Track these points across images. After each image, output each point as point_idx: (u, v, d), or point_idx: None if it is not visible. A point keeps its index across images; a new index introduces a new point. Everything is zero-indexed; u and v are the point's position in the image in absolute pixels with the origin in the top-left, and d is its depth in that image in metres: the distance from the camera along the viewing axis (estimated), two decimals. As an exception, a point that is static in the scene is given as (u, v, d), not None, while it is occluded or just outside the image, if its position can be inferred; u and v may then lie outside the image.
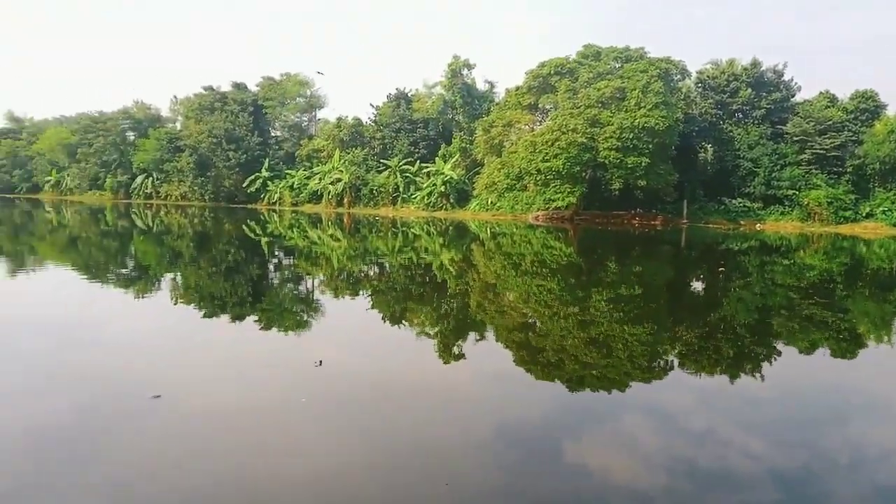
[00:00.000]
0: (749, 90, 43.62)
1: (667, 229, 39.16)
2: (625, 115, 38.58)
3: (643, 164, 37.86)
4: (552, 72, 42.99)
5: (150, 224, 39.14)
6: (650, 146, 38.07)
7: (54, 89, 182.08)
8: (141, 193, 65.79)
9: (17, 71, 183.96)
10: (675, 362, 9.62)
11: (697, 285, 19.97)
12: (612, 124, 38.46)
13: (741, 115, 45.06)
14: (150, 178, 64.98)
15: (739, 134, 43.29)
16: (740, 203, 42.54)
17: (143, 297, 14.44)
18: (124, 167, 67.46)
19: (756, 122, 43.83)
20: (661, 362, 9.72)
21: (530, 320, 12.92)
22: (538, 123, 45.69)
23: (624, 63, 42.20)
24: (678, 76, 43.16)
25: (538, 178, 40.36)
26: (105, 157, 67.86)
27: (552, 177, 39.62)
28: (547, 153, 39.15)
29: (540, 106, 45.09)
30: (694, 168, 44.68)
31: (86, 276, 17.95)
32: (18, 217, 44.43)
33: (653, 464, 5.88)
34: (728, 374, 9.14)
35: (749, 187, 42.33)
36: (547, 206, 41.48)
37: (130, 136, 69.70)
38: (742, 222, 41.56)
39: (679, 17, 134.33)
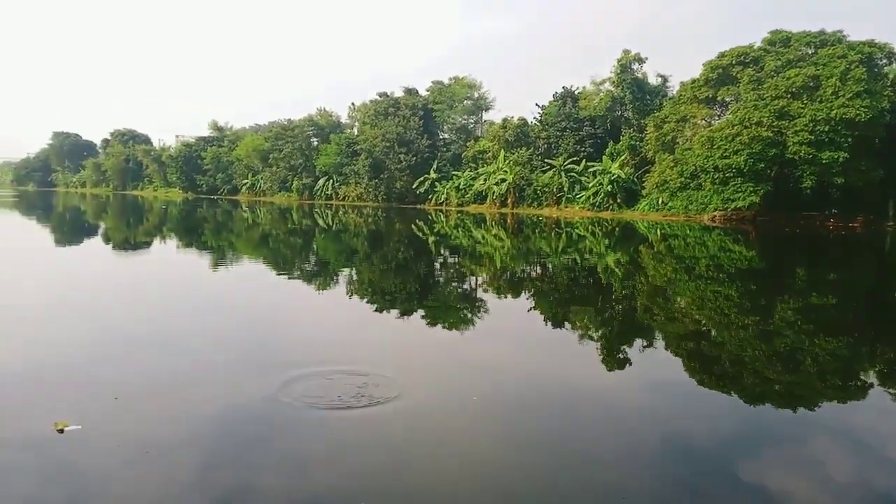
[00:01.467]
0: (978, 72, 37.34)
1: (868, 233, 34.70)
2: (819, 105, 34.75)
3: (840, 159, 33.83)
4: (734, 62, 39.87)
5: (330, 223, 42.22)
6: (849, 140, 33.92)
7: (250, 100, 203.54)
8: (322, 195, 71.16)
9: (218, 84, 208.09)
10: (876, 382, 8.48)
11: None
12: (804, 116, 34.82)
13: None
14: (331, 181, 70.04)
15: (960, 124, 37.14)
16: (961, 203, 36.56)
17: (322, 290, 15.60)
18: (308, 170, 73.38)
19: None
20: (859, 381, 8.61)
21: (704, 328, 12.09)
22: (716, 118, 42.63)
23: (818, 49, 38.01)
24: (884, 61, 37.97)
25: (716, 176, 37.65)
26: (292, 161, 74.29)
27: (732, 174, 36.75)
28: (727, 149, 36.38)
29: (719, 99, 42.02)
30: (903, 163, 39.07)
31: (276, 270, 19.78)
32: (221, 216, 50.12)
33: (845, 498, 5.21)
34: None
35: (973, 185, 36.22)
36: (725, 206, 38.49)
37: (314, 141, 75.70)
38: (966, 226, 35.68)
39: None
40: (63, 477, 5.16)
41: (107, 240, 30.05)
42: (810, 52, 38.48)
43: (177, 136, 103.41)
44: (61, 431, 5.84)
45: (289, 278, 17.73)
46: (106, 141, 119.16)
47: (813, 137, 34.29)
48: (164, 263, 21.39)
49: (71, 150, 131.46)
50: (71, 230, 35.84)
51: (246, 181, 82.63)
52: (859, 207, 37.67)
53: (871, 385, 8.34)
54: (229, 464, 5.40)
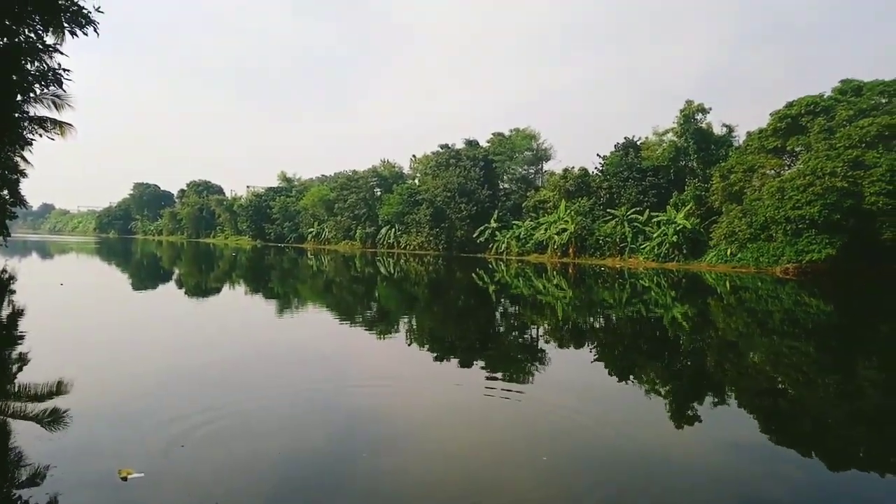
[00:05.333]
0: None
1: (957, 287, 32.53)
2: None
3: (923, 209, 32.23)
4: (802, 111, 39.01)
5: (392, 271, 42.78)
6: (932, 189, 32.36)
7: (319, 152, 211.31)
8: (385, 243, 72.45)
9: (289, 138, 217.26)
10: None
11: None
12: (881, 166, 33.49)
13: None
14: (393, 230, 71.34)
15: None
16: None
17: (383, 338, 15.74)
18: (371, 219, 75.06)
19: None
20: (957, 449, 7.98)
21: (779, 386, 11.51)
22: (786, 168, 41.50)
23: (892, 97, 36.77)
24: (966, 106, 36.36)
25: (788, 228, 36.38)
26: (356, 210, 76.22)
27: (805, 226, 35.46)
28: (799, 199, 35.24)
29: (788, 149, 40.99)
30: None
31: (338, 317, 20.11)
32: (287, 262, 51.57)
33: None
34: None
35: None
36: (799, 258, 36.97)
37: (377, 191, 77.63)
38: None
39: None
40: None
41: (180, 285, 31.33)
42: (884, 101, 37.25)
43: (248, 187, 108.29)
44: (125, 479, 5.97)
45: (351, 325, 17.98)
46: (182, 191, 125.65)
47: (892, 188, 32.85)
48: (232, 309, 22.08)
49: (150, 199, 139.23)
50: (147, 275, 37.59)
51: (312, 230, 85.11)
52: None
53: (970, 452, 7.72)
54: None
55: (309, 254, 66.26)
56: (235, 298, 25.90)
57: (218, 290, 29.01)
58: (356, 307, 22.92)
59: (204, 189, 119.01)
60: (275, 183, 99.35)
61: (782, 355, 14.18)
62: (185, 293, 27.25)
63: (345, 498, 5.72)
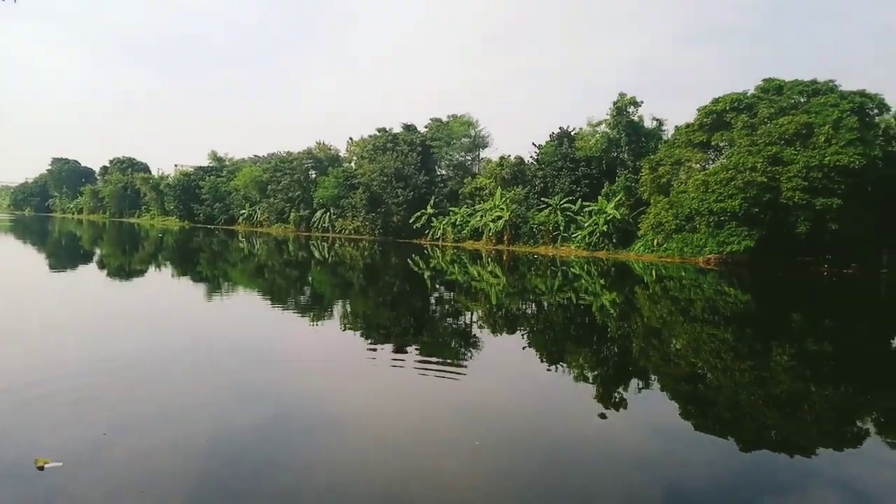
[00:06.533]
0: (969, 124, 38.04)
1: (862, 279, 34.87)
2: (812, 152, 35.28)
3: (834, 206, 34.20)
4: (728, 108, 40.58)
5: (326, 255, 42.21)
6: (843, 187, 34.35)
7: (250, 132, 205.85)
8: (319, 227, 71.30)
9: (221, 116, 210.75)
10: (872, 430, 8.43)
11: (902, 344, 17.44)
12: (797, 163, 35.31)
13: (956, 153, 39.25)
14: (328, 213, 70.27)
15: (954, 174, 37.68)
16: (955, 252, 36.83)
17: (317, 324, 15.52)
18: (306, 202, 73.67)
19: (976, 159, 37.93)
20: (855, 429, 8.56)
21: (700, 371, 12.04)
22: (711, 162, 43.18)
23: (810, 97, 38.76)
24: (875, 111, 38.71)
25: (711, 220, 37.95)
26: (290, 193, 74.60)
27: (727, 218, 37.07)
28: (721, 193, 36.78)
29: (713, 143, 42.61)
30: (896, 211, 39.48)
31: (270, 302, 19.70)
32: (217, 245, 50.08)
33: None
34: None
35: (969, 235, 36.58)
36: (720, 249, 38.70)
37: (312, 174, 76.17)
38: (961, 275, 35.91)
39: (870, 50, 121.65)
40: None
41: (101, 266, 29.93)
42: (803, 101, 39.21)
43: (175, 166, 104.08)
44: (41, 468, 5.71)
45: (283, 310, 17.65)
46: (105, 168, 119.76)
47: (807, 184, 34.70)
48: (157, 292, 21.29)
49: (69, 176, 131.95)
50: (66, 255, 35.73)
51: (243, 212, 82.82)
52: (853, 254, 37.97)
53: (868, 433, 8.29)
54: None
55: (240, 236, 64.54)
56: (162, 281, 24.96)
57: (143, 273, 27.89)
58: (289, 292, 22.51)
59: (128, 166, 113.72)
60: (205, 162, 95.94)
61: (703, 342, 14.83)
62: (108, 275, 26.08)
63: (275, 484, 5.62)
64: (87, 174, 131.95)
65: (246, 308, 17.93)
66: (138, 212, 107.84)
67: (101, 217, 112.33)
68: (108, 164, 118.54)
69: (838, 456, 7.47)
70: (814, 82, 39.62)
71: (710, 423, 8.52)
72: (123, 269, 28.99)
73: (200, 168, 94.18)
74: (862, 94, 37.51)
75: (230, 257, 38.59)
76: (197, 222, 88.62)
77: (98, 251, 40.86)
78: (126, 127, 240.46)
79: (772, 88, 40.79)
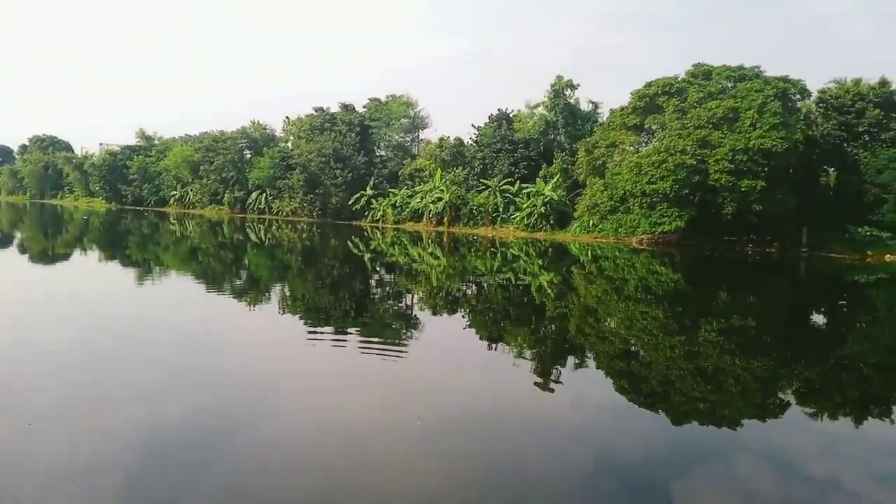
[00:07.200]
0: (877, 111, 40.29)
1: (784, 257, 36.78)
2: (738, 136, 36.73)
3: (758, 187, 35.80)
4: (659, 92, 41.70)
5: (263, 238, 41.31)
6: (766, 169, 35.95)
7: (181, 109, 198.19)
8: (255, 209, 69.62)
9: (148, 92, 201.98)
10: (793, 401, 8.96)
11: (818, 319, 18.54)
12: (724, 146, 36.71)
13: (868, 138, 41.65)
14: (264, 195, 68.65)
15: (866, 157, 39.99)
16: (867, 232, 39.18)
17: (254, 308, 15.22)
18: (241, 184, 71.68)
19: (886, 144, 40.39)
20: (777, 400, 9.08)
21: (633, 348, 12.47)
22: (644, 144, 44.36)
23: (737, 82, 40.26)
24: (797, 96, 40.60)
25: (643, 201, 39.10)
26: (224, 174, 72.40)
27: (658, 199, 38.27)
28: (653, 175, 37.90)
29: (646, 127, 43.79)
30: (815, 193, 41.67)
31: (204, 286, 19.16)
32: (147, 227, 48.24)
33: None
34: (853, 418, 8.39)
35: (877, 215, 38.97)
36: (653, 229, 39.99)
37: (247, 154, 74.04)
38: (870, 253, 38.29)
39: (796, 37, 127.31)
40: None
41: (22, 251, 28.38)
42: (730, 86, 40.69)
43: (101, 144, 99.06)
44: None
45: (218, 294, 17.21)
46: (24, 147, 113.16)
47: (732, 166, 36.14)
48: (84, 278, 20.39)
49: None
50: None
51: (175, 193, 79.92)
52: (776, 234, 39.94)
53: (789, 404, 8.80)
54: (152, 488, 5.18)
55: (172, 218, 62.33)
56: (88, 266, 23.89)
57: (68, 257, 26.61)
58: (224, 276, 21.95)
59: (49, 145, 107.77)
60: (132, 141, 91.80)
61: (636, 320, 15.35)
62: (30, 260, 24.76)
63: (210, 472, 5.52)
64: (5, 153, 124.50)
65: (179, 293, 17.38)
66: (61, 193, 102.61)
67: (21, 198, 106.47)
68: (27, 143, 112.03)
69: (762, 426, 7.90)
70: (740, 68, 41.14)
71: (643, 398, 8.85)
72: (46, 253, 27.56)
73: (128, 147, 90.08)
74: (785, 79, 39.20)
75: (161, 240, 37.24)
76: (125, 204, 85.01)
77: (18, 234, 38.68)
78: (44, 102, 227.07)
79: (701, 73, 42.11)
